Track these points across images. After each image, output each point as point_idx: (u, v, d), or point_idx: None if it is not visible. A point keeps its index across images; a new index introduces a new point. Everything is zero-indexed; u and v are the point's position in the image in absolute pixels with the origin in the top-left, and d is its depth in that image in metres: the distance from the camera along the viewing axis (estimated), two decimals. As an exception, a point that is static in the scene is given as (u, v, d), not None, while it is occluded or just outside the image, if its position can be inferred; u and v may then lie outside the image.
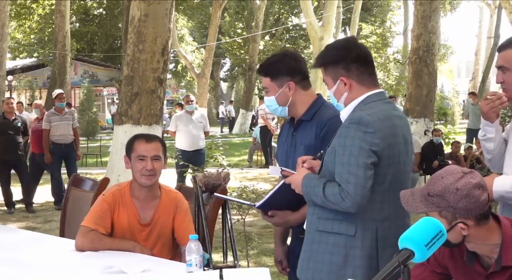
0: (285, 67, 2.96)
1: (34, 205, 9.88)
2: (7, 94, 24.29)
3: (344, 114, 2.60)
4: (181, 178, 8.90)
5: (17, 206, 9.69)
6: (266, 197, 2.84)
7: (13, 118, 9.42)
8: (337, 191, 2.41)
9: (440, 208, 2.14)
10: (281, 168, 2.79)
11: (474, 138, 14.53)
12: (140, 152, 3.32)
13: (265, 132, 15.12)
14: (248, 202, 3.13)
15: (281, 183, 2.75)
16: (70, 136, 9.70)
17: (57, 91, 10.18)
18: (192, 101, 9.98)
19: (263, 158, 15.65)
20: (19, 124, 9.44)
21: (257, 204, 2.90)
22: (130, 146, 3.39)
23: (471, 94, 16.93)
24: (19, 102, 13.45)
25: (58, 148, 9.68)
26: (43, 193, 10.77)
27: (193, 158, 8.92)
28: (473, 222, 2.15)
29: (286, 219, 2.90)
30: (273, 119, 15.41)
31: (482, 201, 2.13)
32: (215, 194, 3.33)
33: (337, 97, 2.61)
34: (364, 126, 2.43)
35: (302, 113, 2.96)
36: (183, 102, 12.65)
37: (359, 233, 2.47)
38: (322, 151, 2.64)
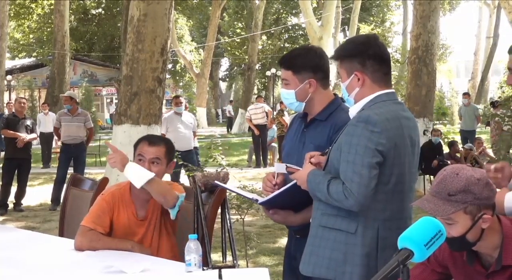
0: (309, 62, 2.87)
1: (33, 204, 9.93)
2: (6, 94, 24.31)
3: (352, 111, 2.60)
4: (176, 178, 8.91)
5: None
6: (272, 195, 2.80)
7: (22, 117, 9.52)
8: (341, 189, 2.42)
9: (466, 203, 2.15)
10: (286, 165, 2.77)
11: (467, 139, 14.53)
12: (139, 152, 3.35)
13: (254, 132, 15.26)
14: (251, 197, 3.05)
15: (291, 183, 2.71)
16: (79, 137, 9.74)
17: (66, 93, 10.38)
18: (181, 102, 10.01)
19: (261, 158, 15.65)
20: (27, 123, 9.49)
21: (260, 200, 2.88)
22: (135, 147, 3.42)
23: (465, 94, 16.83)
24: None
25: (67, 148, 9.76)
26: (42, 193, 10.77)
27: (185, 159, 8.93)
28: (491, 212, 2.19)
29: (286, 219, 2.89)
30: (266, 116, 15.41)
31: (494, 189, 2.21)
32: (216, 181, 3.29)
33: (348, 91, 2.61)
34: (371, 125, 2.43)
35: (318, 112, 2.90)
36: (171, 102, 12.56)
37: (360, 231, 2.47)
38: (330, 147, 2.62)
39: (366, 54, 2.56)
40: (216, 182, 3.28)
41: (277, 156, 15.49)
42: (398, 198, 2.51)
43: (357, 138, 2.43)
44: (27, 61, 35.67)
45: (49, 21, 31.10)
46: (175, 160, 3.52)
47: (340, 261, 2.49)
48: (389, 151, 2.44)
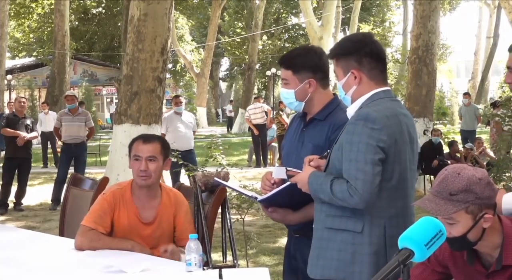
0: (309, 62, 2.88)
1: (33, 204, 9.95)
2: (6, 94, 24.30)
3: (351, 110, 2.60)
4: (177, 178, 8.90)
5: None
6: (270, 193, 2.81)
7: (22, 116, 9.54)
8: (345, 188, 2.41)
9: (468, 203, 2.15)
10: (286, 168, 2.77)
11: (468, 139, 14.53)
12: (136, 152, 3.36)
13: (254, 132, 15.30)
14: (250, 194, 3.07)
15: (289, 182, 2.72)
16: (80, 137, 9.76)
17: (67, 92, 10.40)
18: (181, 102, 10.00)
19: (261, 158, 15.65)
20: (27, 122, 9.50)
21: (259, 198, 2.89)
22: (130, 146, 3.44)
23: (465, 94, 16.82)
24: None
25: (67, 148, 9.79)
26: (42, 193, 10.77)
27: (185, 159, 8.93)
28: (493, 211, 2.19)
29: (285, 217, 2.89)
30: (266, 114, 15.44)
31: (496, 188, 2.20)
32: (215, 178, 3.31)
33: (345, 89, 2.61)
34: (371, 122, 2.43)
35: (317, 111, 2.91)
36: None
37: (366, 230, 2.47)
38: (328, 151, 2.62)
39: (362, 52, 2.56)
40: (216, 179, 3.29)
41: (277, 156, 15.50)
42: (401, 195, 2.51)
43: (358, 136, 2.43)
44: (27, 60, 35.67)
45: (49, 20, 31.09)
46: (171, 157, 3.53)
47: (348, 262, 2.49)
48: (390, 147, 2.45)
